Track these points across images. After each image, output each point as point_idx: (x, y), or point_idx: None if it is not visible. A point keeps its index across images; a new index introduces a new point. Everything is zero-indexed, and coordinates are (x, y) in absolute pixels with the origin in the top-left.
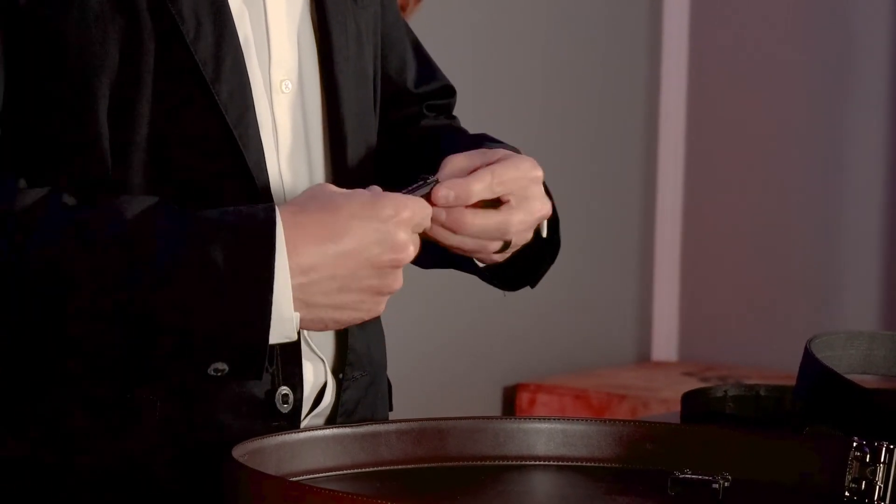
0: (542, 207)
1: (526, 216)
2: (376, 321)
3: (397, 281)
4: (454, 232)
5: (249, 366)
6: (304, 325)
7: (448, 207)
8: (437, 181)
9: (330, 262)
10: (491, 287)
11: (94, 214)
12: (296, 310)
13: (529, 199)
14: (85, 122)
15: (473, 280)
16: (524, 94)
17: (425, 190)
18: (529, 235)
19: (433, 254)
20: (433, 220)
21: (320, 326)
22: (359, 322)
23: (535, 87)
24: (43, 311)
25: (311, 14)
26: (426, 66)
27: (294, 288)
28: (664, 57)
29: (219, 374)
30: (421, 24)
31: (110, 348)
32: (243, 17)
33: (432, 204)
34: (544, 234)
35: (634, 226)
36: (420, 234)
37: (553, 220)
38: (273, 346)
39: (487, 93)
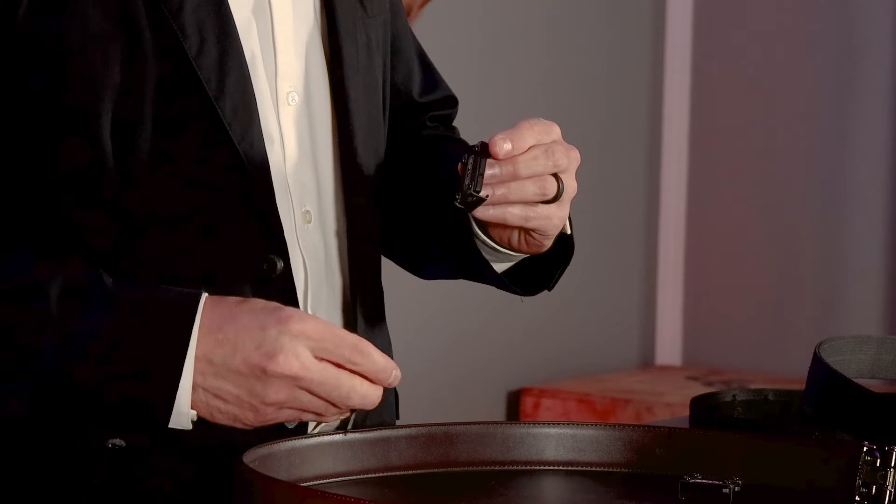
0: (573, 150)
1: (565, 150)
2: (383, 330)
3: (275, 393)
4: (516, 177)
5: (147, 443)
6: (198, 410)
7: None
8: (485, 143)
9: (210, 345)
10: (494, 292)
11: (22, 284)
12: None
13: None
14: (87, 139)
15: (476, 285)
16: (526, 99)
17: (477, 161)
18: (574, 186)
19: (447, 264)
20: (496, 182)
21: (210, 414)
22: (242, 427)
23: (538, 91)
24: None
25: (322, 25)
26: (430, 76)
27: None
28: (667, 62)
29: (116, 447)
30: (424, 27)
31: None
32: (251, 29)
33: (494, 158)
34: (569, 230)
35: (638, 230)
36: (495, 225)
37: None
38: None
39: (490, 97)
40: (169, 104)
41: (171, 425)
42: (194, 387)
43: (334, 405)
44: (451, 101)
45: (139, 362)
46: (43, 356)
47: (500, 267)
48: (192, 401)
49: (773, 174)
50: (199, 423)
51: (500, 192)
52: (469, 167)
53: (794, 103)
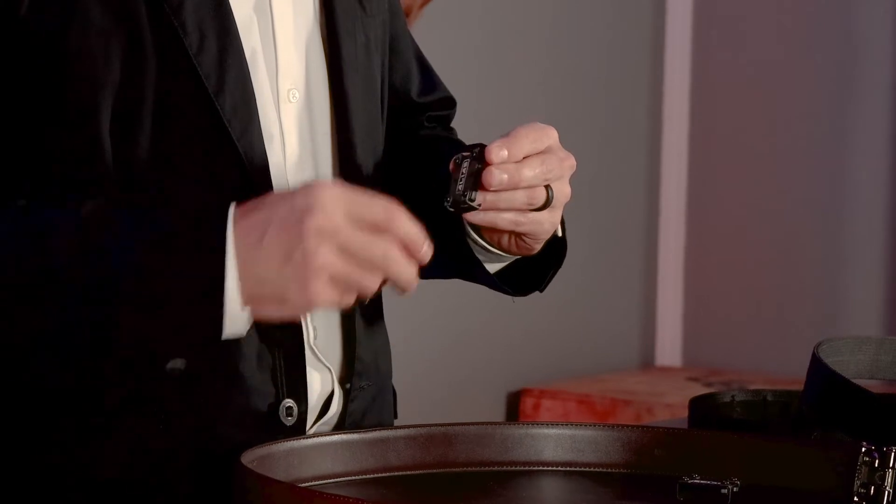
0: (569, 157)
1: (558, 160)
2: (381, 329)
3: (314, 251)
4: (512, 186)
5: (205, 365)
6: (251, 306)
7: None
8: (483, 145)
9: (245, 231)
10: (494, 292)
11: (48, 218)
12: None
13: (556, 149)
14: (86, 136)
15: (476, 286)
16: (526, 100)
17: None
18: (567, 191)
19: (441, 263)
20: (490, 186)
21: (259, 303)
22: (290, 315)
23: (538, 92)
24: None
25: (321, 23)
26: (428, 77)
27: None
28: (667, 63)
29: (176, 371)
30: (423, 28)
31: (65, 349)
32: (252, 26)
33: (487, 164)
34: (560, 233)
35: (638, 231)
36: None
37: (561, 223)
38: (276, 356)
39: (490, 98)
40: (169, 101)
41: (226, 335)
42: (240, 283)
43: (373, 269)
44: (449, 102)
45: (181, 280)
46: (78, 292)
47: (492, 267)
48: (240, 299)
49: (773, 175)
50: (200, 422)
51: (490, 198)
52: (463, 171)
53: (795, 104)
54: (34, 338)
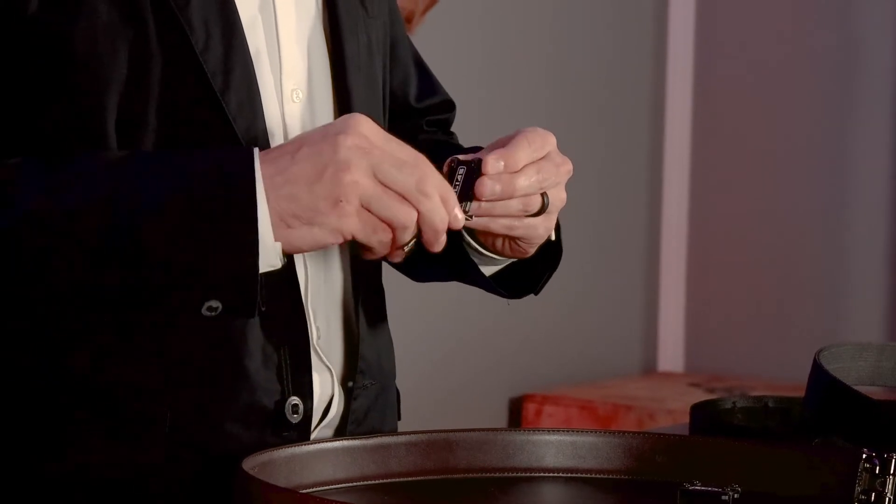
0: (565, 162)
1: (555, 167)
2: (384, 332)
3: (346, 163)
4: (507, 196)
5: (242, 301)
6: (282, 239)
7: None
8: (479, 158)
9: (273, 158)
10: (495, 298)
11: (73, 165)
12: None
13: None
14: (92, 132)
15: (479, 291)
16: (528, 105)
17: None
18: (563, 197)
19: (437, 265)
20: (482, 197)
21: (295, 228)
22: (324, 242)
23: (539, 98)
24: (35, 261)
25: (324, 23)
26: (427, 81)
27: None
28: (669, 68)
29: (213, 312)
30: (426, 32)
31: (102, 291)
32: (256, 25)
33: (483, 174)
34: (553, 237)
35: (640, 236)
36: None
37: (556, 228)
38: (281, 354)
39: (491, 102)
40: (174, 99)
41: (262, 269)
42: (270, 204)
43: (404, 201)
44: (448, 106)
45: (211, 219)
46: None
47: (487, 270)
48: (273, 233)
49: (775, 181)
50: (197, 427)
51: (484, 206)
52: (458, 180)
53: (796, 110)
54: (65, 285)
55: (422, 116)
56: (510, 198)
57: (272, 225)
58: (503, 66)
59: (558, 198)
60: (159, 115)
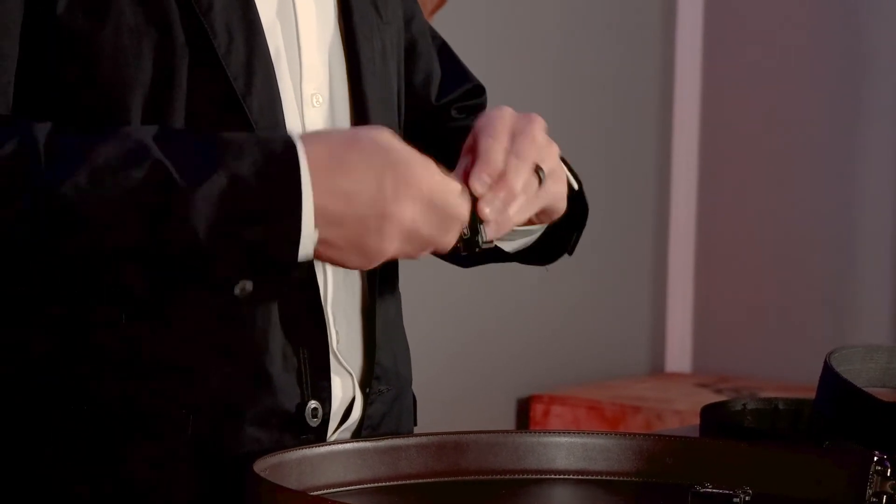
0: (531, 120)
1: (528, 139)
2: (401, 335)
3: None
4: (512, 197)
5: (273, 284)
6: (320, 245)
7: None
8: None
9: (338, 167)
10: (503, 298)
11: (113, 142)
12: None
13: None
14: None
15: (486, 292)
16: (534, 105)
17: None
18: (554, 150)
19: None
20: (488, 219)
21: (331, 251)
22: (373, 247)
23: (547, 99)
24: (74, 237)
25: (340, 28)
26: (453, 71)
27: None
28: (677, 70)
29: (244, 293)
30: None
31: (138, 267)
32: (275, 30)
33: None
34: (575, 186)
35: (648, 236)
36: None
37: (576, 181)
38: (301, 358)
39: (498, 103)
40: (197, 101)
41: (300, 258)
42: (315, 190)
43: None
44: (478, 91)
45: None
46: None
47: (521, 242)
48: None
49: (783, 181)
50: (218, 430)
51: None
52: None
53: (805, 112)
54: (107, 254)
55: (448, 109)
56: (514, 200)
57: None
58: (510, 67)
59: (550, 155)
60: (182, 117)
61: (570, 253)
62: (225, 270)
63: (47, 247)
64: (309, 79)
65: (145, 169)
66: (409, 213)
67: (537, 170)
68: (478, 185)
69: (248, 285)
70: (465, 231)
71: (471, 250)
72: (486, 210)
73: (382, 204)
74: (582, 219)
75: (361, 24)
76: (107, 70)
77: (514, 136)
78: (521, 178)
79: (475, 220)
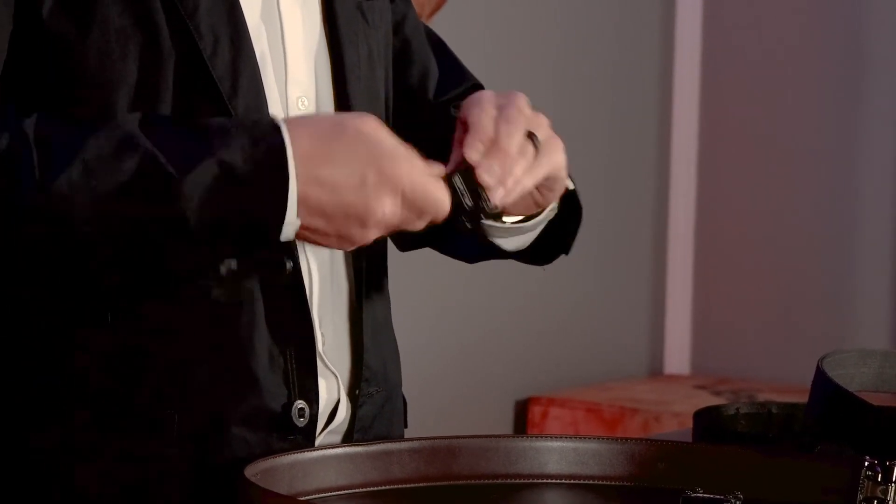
0: (510, 93)
1: (515, 109)
2: (390, 337)
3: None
4: (508, 159)
5: (254, 264)
6: (302, 230)
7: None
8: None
9: (323, 157)
10: (502, 300)
11: (100, 132)
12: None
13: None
14: None
15: (485, 294)
16: (534, 101)
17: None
18: (543, 120)
19: (474, 246)
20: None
21: (314, 236)
22: (356, 236)
23: (545, 98)
24: (70, 232)
25: (325, 33)
26: (450, 70)
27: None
28: (676, 70)
29: (228, 274)
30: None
31: (125, 251)
32: (260, 34)
33: (474, 167)
34: (570, 186)
35: (647, 238)
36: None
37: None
38: (287, 359)
39: None
40: (183, 103)
41: (284, 232)
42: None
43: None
44: (476, 90)
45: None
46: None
47: (518, 241)
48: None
49: (783, 183)
50: (204, 430)
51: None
52: (460, 187)
53: (804, 113)
54: (96, 245)
55: (446, 106)
56: (514, 163)
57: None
58: (510, 67)
59: (541, 123)
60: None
61: (567, 252)
62: (211, 253)
63: (42, 242)
64: (294, 82)
65: (136, 160)
66: (389, 207)
67: (531, 136)
68: (472, 153)
69: (233, 264)
70: (468, 201)
71: (475, 219)
72: (485, 177)
73: (364, 197)
74: (577, 218)
75: (347, 28)
76: (92, 72)
77: (500, 109)
78: (514, 141)
79: (475, 189)
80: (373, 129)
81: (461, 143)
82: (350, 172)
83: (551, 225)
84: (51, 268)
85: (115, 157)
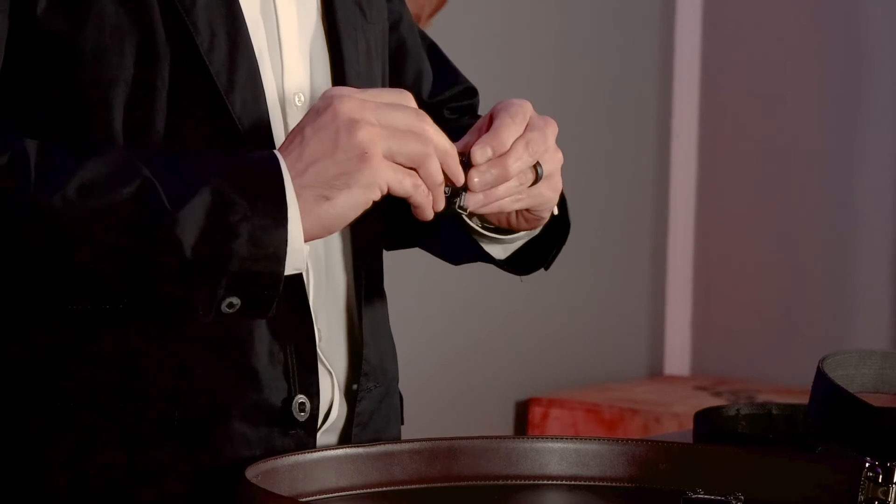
0: (548, 123)
1: (541, 135)
2: (387, 337)
3: (354, 126)
4: (502, 181)
5: (261, 302)
6: (308, 232)
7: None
8: (467, 149)
9: (286, 145)
10: (502, 301)
11: (96, 161)
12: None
13: (535, 121)
14: (99, 132)
15: (486, 294)
16: (534, 101)
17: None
18: (559, 157)
19: (459, 247)
20: (475, 189)
21: (335, 210)
22: (366, 179)
23: (545, 97)
24: (62, 249)
25: (323, 28)
26: (443, 73)
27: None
28: (676, 70)
29: (231, 310)
30: (431, 34)
31: (122, 284)
32: (258, 29)
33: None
34: (556, 212)
35: (646, 239)
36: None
37: (562, 202)
38: (287, 354)
39: (499, 99)
40: (180, 98)
41: (288, 272)
42: (304, 193)
43: (415, 136)
44: (470, 93)
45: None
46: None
47: (502, 249)
48: (309, 218)
49: (783, 184)
50: (204, 426)
51: (482, 195)
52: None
53: (804, 114)
54: (91, 276)
55: (440, 108)
56: (505, 181)
57: (309, 204)
58: (510, 67)
59: (554, 160)
60: (165, 115)
61: (547, 268)
62: (211, 290)
63: (36, 257)
64: (291, 78)
65: (134, 186)
66: (365, 131)
67: (536, 166)
68: (479, 154)
69: (235, 300)
70: (447, 190)
71: (446, 210)
72: (474, 178)
73: (337, 138)
74: (563, 236)
75: (345, 23)
76: (88, 69)
77: (529, 129)
78: (520, 165)
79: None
80: (336, 106)
81: (479, 134)
82: (323, 139)
83: (533, 241)
84: (45, 279)
85: (113, 181)
